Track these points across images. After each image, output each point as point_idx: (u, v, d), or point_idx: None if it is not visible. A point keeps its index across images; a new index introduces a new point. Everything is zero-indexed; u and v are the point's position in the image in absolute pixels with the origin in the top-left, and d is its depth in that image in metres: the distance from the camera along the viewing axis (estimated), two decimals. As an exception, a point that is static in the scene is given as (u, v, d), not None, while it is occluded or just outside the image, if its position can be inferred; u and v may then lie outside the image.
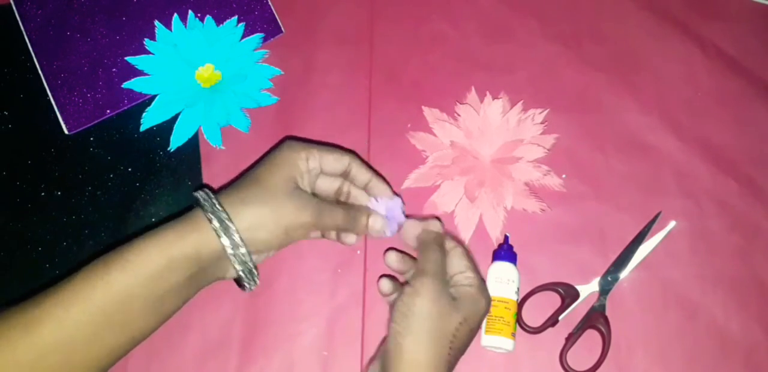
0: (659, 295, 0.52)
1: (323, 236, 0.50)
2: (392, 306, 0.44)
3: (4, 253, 0.53)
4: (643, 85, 0.58)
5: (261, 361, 0.50)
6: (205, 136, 0.55)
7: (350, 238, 0.49)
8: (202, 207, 0.43)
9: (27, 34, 0.58)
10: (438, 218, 0.49)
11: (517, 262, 0.51)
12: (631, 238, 0.53)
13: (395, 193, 0.50)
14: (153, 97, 0.56)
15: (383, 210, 0.48)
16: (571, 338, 0.50)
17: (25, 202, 0.54)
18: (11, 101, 0.57)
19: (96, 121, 0.56)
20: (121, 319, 0.41)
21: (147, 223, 0.53)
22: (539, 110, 0.56)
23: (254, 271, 0.44)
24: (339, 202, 0.50)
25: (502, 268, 0.50)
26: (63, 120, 0.56)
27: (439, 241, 0.47)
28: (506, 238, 0.52)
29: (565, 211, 0.54)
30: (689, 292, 0.52)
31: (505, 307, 0.49)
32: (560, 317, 0.51)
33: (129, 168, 0.55)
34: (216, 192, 0.44)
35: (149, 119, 0.56)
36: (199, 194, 0.44)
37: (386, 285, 0.47)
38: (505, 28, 0.60)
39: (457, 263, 0.47)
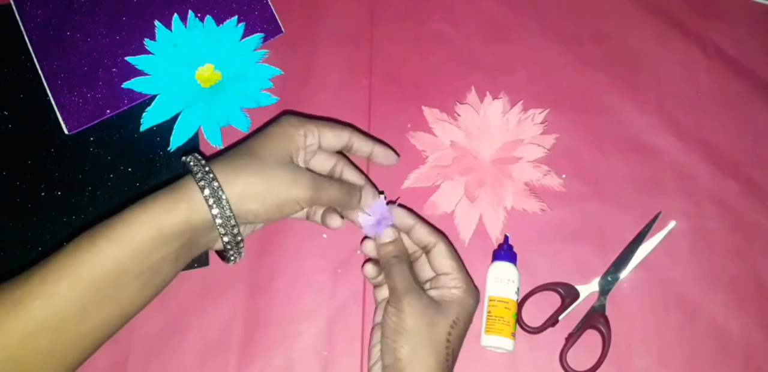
0: (659, 295, 0.52)
1: (307, 218, 0.49)
2: (381, 323, 0.45)
3: (4, 253, 0.53)
4: (643, 85, 0.58)
5: (261, 361, 0.50)
6: (205, 136, 0.55)
7: (335, 222, 0.47)
8: (192, 174, 0.42)
9: (27, 34, 0.58)
10: (397, 206, 0.48)
11: (517, 262, 0.51)
12: (631, 238, 0.53)
13: (391, 201, 0.49)
14: (153, 97, 0.56)
15: (376, 214, 0.47)
16: (571, 338, 0.50)
17: (25, 202, 0.54)
18: (11, 101, 0.57)
19: (96, 121, 0.56)
20: (111, 292, 0.40)
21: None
22: (539, 110, 0.56)
23: (241, 243, 0.44)
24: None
25: (502, 268, 0.50)
26: (63, 120, 0.56)
27: (398, 251, 0.46)
28: (506, 238, 0.52)
29: (565, 211, 0.54)
30: (689, 292, 0.52)
31: (505, 307, 0.49)
32: (560, 317, 0.51)
33: (129, 168, 0.55)
34: (207, 159, 0.43)
35: (149, 119, 0.56)
36: (190, 159, 0.43)
37: (371, 270, 0.47)
38: (505, 28, 0.60)
39: (440, 263, 0.46)
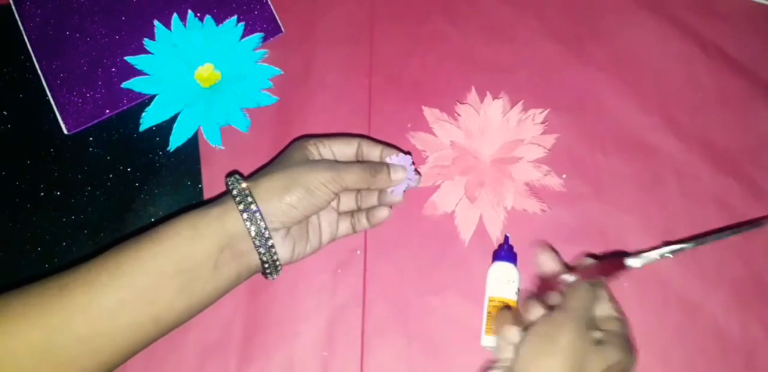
0: (659, 295, 0.52)
1: (354, 230, 0.51)
2: (527, 333, 0.41)
3: (3, 253, 0.52)
4: (644, 85, 0.58)
5: (261, 361, 0.50)
6: (204, 136, 0.55)
7: (382, 213, 0.50)
8: (227, 186, 0.45)
9: (26, 34, 0.58)
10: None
11: (518, 263, 0.51)
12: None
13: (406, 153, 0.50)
14: (152, 97, 0.56)
15: (400, 162, 0.49)
16: None
17: (24, 202, 0.54)
18: (11, 101, 0.57)
19: (95, 121, 0.56)
20: (148, 289, 0.41)
21: (146, 224, 0.53)
22: (539, 110, 0.56)
23: (273, 249, 0.44)
24: None
25: (503, 268, 0.50)
26: (62, 120, 0.56)
27: (595, 287, 0.43)
28: (506, 238, 0.52)
29: (565, 211, 0.54)
30: (689, 292, 0.52)
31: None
32: None
33: (128, 168, 0.55)
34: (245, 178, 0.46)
35: (148, 119, 0.55)
36: (228, 178, 0.46)
37: (549, 261, 0.47)
38: (506, 28, 0.60)
39: (605, 307, 0.44)
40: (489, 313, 0.49)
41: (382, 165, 0.48)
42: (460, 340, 0.50)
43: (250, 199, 0.43)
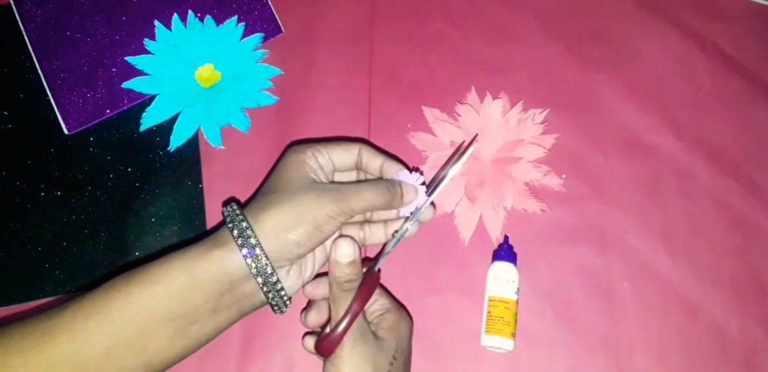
0: (659, 295, 0.52)
1: (364, 243, 0.48)
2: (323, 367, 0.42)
3: (4, 253, 0.53)
4: (643, 85, 0.58)
5: (261, 361, 0.50)
6: (204, 136, 0.55)
7: (412, 229, 0.45)
8: (225, 219, 0.41)
9: (27, 34, 0.58)
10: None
11: (517, 262, 0.51)
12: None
13: (414, 169, 0.47)
14: (153, 97, 0.56)
15: (411, 181, 0.45)
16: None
17: (24, 202, 0.54)
18: (11, 101, 0.57)
19: (96, 121, 0.56)
20: (139, 336, 0.38)
21: (147, 223, 0.53)
22: (539, 110, 0.56)
23: (279, 284, 0.41)
24: None
25: (502, 268, 0.50)
26: (63, 120, 0.56)
27: (354, 275, 0.42)
28: (506, 238, 0.52)
29: (565, 211, 0.54)
30: (689, 292, 0.52)
31: (505, 307, 0.49)
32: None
33: (129, 168, 0.55)
34: (243, 206, 0.43)
35: (149, 119, 0.56)
36: (225, 208, 0.43)
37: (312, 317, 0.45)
38: (505, 28, 0.60)
39: (377, 303, 0.45)
40: (489, 313, 0.49)
41: (394, 186, 0.44)
42: (460, 340, 0.50)
43: (253, 240, 0.40)
